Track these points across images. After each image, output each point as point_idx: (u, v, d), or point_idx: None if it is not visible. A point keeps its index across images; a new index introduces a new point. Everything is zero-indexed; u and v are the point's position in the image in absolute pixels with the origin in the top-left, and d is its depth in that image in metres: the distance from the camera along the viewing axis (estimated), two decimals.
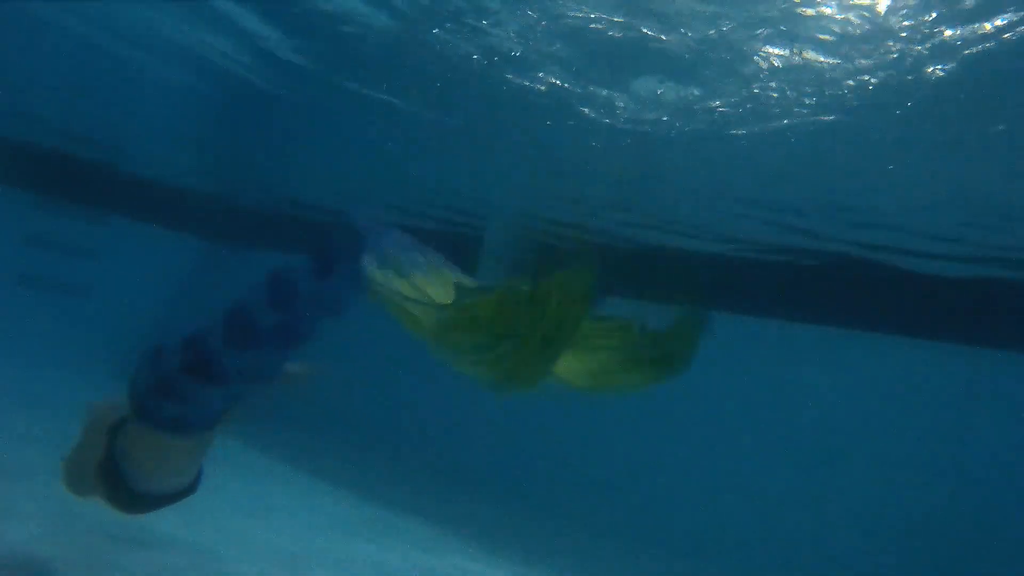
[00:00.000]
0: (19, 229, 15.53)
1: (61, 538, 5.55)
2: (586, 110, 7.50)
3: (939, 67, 5.53)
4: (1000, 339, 9.66)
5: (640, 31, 5.96)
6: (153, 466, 3.02)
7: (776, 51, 5.88)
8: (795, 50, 5.78)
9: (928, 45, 5.33)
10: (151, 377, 2.89)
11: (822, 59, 5.84)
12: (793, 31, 5.60)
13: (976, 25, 5.02)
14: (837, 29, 5.45)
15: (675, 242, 11.34)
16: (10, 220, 15.31)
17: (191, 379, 2.81)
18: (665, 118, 7.30)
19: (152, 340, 3.09)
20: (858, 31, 5.41)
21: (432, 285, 2.78)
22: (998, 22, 4.93)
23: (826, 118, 6.63)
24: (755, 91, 6.46)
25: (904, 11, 5.12)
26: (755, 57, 6.00)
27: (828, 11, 5.32)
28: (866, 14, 5.26)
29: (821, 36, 5.58)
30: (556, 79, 7.07)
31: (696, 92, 6.76)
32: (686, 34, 5.89)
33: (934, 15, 5.04)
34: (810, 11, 5.33)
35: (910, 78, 5.73)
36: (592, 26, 6.06)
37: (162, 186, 15.80)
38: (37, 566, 4.95)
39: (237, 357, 2.83)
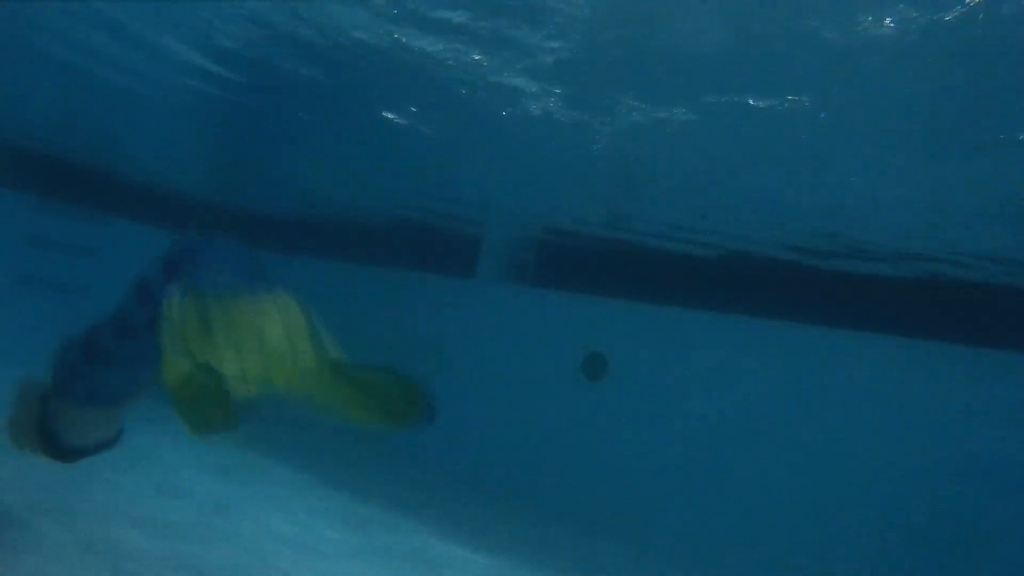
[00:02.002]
0: (19, 229, 15.53)
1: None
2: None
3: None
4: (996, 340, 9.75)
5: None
6: (77, 428, 3.66)
7: None
8: None
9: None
10: (79, 353, 3.43)
11: None
12: None
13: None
14: None
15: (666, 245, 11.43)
16: (10, 220, 15.32)
17: (116, 343, 3.37)
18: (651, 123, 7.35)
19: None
20: None
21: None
22: None
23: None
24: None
25: None
26: None
27: None
28: None
29: None
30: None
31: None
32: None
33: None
34: None
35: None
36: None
37: (162, 187, 15.80)
38: None
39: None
